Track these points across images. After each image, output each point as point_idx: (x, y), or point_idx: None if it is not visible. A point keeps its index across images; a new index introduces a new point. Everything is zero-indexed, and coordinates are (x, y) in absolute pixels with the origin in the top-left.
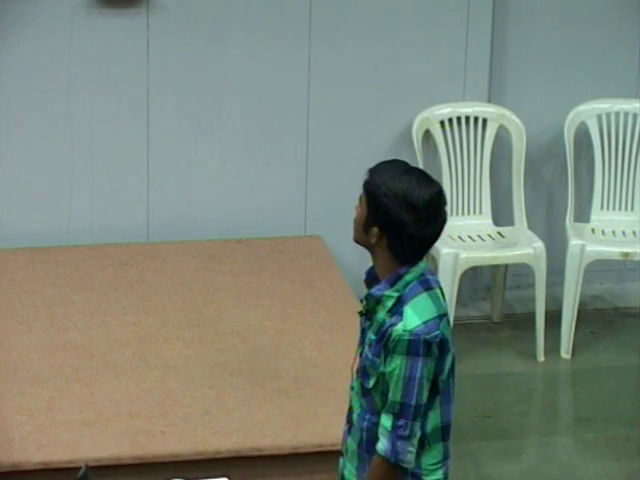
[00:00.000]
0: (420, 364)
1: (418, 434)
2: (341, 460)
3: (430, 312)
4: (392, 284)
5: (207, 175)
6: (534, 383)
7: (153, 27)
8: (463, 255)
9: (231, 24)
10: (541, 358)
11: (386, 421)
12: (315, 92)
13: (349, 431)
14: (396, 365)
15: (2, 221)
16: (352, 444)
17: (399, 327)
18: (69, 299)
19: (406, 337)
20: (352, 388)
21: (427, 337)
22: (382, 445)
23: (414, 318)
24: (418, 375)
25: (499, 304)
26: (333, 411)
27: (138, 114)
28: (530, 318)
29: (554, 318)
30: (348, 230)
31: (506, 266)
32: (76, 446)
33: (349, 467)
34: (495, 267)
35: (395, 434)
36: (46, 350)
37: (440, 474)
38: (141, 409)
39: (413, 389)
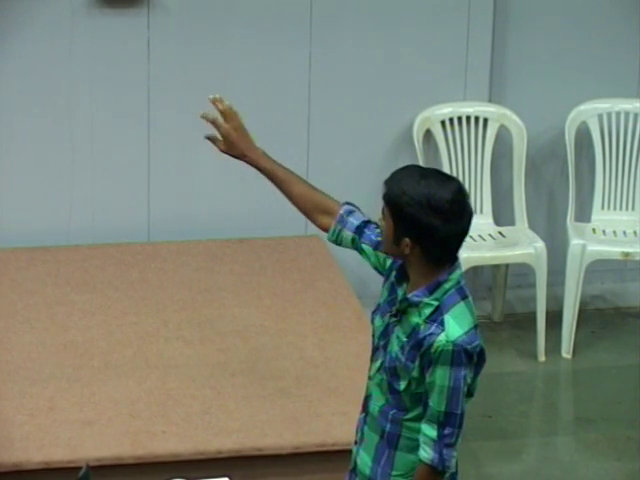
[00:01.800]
0: (462, 374)
1: (460, 439)
2: (354, 448)
3: (469, 322)
4: (431, 292)
5: (208, 175)
6: (535, 383)
7: (154, 27)
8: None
9: (232, 24)
10: (542, 358)
11: (430, 431)
12: (316, 92)
13: (365, 420)
14: (439, 375)
15: (2, 221)
16: (372, 435)
17: (442, 337)
18: (70, 299)
19: (450, 348)
20: (370, 378)
21: (469, 347)
22: (427, 454)
23: (456, 328)
24: (462, 384)
25: (500, 304)
26: (334, 411)
27: (139, 114)
28: (531, 318)
29: (555, 318)
30: None
31: (507, 266)
32: (77, 446)
33: (364, 457)
34: (496, 267)
35: (442, 443)
36: (47, 350)
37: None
38: (142, 409)
39: (458, 398)
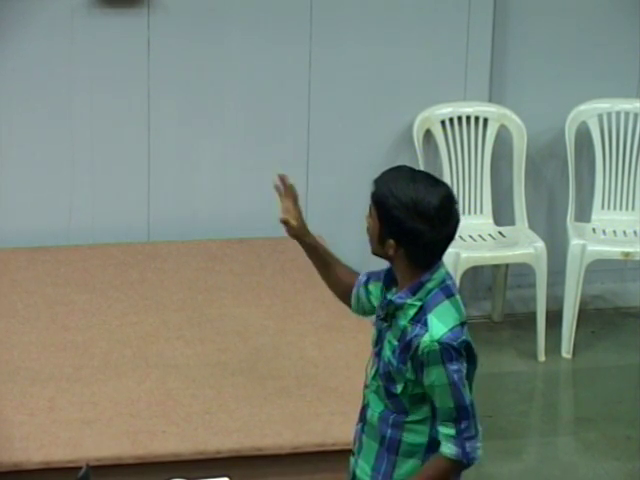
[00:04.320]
0: (456, 367)
1: (480, 428)
2: (352, 459)
3: (453, 319)
4: (414, 292)
5: (208, 175)
6: (535, 383)
7: (154, 27)
8: (464, 255)
9: (232, 24)
10: (542, 358)
11: (448, 429)
12: (316, 92)
13: (363, 429)
14: (436, 376)
15: (2, 221)
16: (371, 443)
17: (426, 338)
18: (70, 299)
19: (436, 347)
20: (366, 387)
21: (455, 344)
22: (450, 450)
23: (439, 326)
24: (460, 377)
25: (500, 304)
26: (334, 411)
27: (139, 114)
28: (531, 318)
29: (555, 318)
30: (349, 230)
31: (507, 266)
32: (77, 446)
33: (363, 466)
34: (496, 267)
35: (462, 437)
36: (47, 350)
37: None
38: (142, 409)
39: (461, 391)
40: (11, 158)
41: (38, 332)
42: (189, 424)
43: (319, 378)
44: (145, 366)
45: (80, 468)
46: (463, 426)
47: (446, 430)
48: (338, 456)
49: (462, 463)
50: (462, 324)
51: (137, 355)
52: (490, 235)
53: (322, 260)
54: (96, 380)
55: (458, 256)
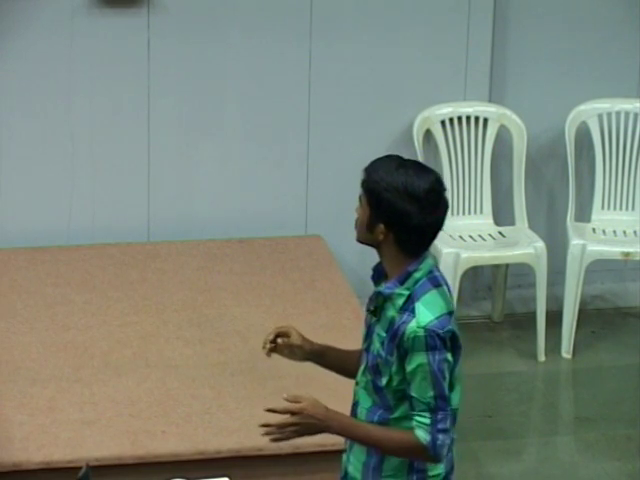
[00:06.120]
0: (440, 357)
1: (452, 426)
2: (344, 456)
3: (440, 308)
4: (402, 282)
5: (208, 175)
6: (535, 383)
7: (154, 27)
8: (464, 255)
9: (231, 24)
10: (542, 358)
11: (423, 419)
12: (316, 92)
13: None
14: (418, 362)
15: (2, 221)
16: None
17: (412, 324)
18: (70, 299)
19: (421, 333)
20: (357, 383)
21: (440, 332)
22: (423, 436)
23: (426, 314)
24: (441, 367)
25: (500, 304)
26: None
27: (139, 114)
28: (531, 318)
29: (555, 318)
30: (349, 230)
31: (507, 266)
32: (77, 446)
33: (354, 463)
34: (496, 267)
35: (436, 428)
36: (47, 350)
37: (441, 468)
38: (142, 409)
39: (442, 381)
40: (11, 158)
41: (38, 332)
42: (189, 424)
43: (319, 378)
44: (145, 366)
45: (80, 468)
46: (440, 417)
47: (421, 419)
48: (338, 456)
49: (429, 454)
50: (449, 313)
51: (137, 355)
52: (490, 235)
53: (335, 359)
54: (96, 380)
55: (458, 256)
